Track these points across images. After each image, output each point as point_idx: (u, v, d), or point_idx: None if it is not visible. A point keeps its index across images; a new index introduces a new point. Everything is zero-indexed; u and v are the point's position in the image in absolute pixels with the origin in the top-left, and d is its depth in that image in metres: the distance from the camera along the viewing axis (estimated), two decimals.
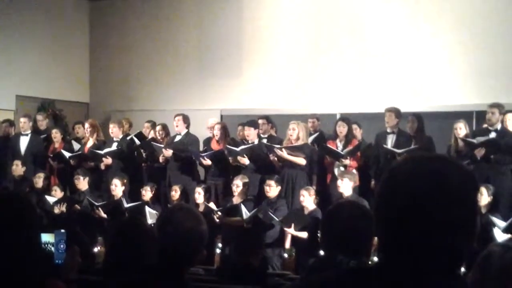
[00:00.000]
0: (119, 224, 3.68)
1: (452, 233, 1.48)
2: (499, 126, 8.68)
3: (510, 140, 8.55)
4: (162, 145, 10.19)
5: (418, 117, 9.43)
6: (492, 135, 8.57)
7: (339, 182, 8.49)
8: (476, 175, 8.45)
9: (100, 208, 9.48)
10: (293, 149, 9.13)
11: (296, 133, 9.23)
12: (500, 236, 7.27)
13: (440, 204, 1.47)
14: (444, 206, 1.47)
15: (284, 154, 9.11)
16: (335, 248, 2.78)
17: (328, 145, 9.46)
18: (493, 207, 7.98)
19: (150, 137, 10.81)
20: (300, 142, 9.19)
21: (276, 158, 9.28)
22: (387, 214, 1.52)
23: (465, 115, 9.89)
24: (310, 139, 9.68)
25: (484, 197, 7.79)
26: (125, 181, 9.83)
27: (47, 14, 13.29)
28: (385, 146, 9.24)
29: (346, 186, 8.40)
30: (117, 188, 9.69)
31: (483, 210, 7.75)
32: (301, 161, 9.14)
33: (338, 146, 9.47)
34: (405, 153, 8.66)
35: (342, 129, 9.51)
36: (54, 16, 13.42)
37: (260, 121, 10.06)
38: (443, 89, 10.90)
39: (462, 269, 1.65)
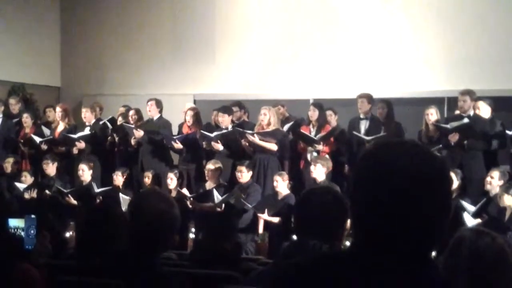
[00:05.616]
0: (89, 209, 3.65)
1: (430, 217, 1.49)
2: (471, 113, 8.73)
3: (483, 126, 8.62)
4: (133, 126, 10.09)
5: (388, 103, 9.57)
6: (465, 121, 8.63)
7: (312, 167, 8.53)
8: (449, 161, 8.51)
9: (70, 195, 9.40)
10: (264, 135, 9.12)
11: (268, 118, 9.22)
12: (469, 220, 7.35)
13: (420, 188, 1.47)
14: (424, 190, 1.48)
15: (256, 139, 9.10)
16: (307, 233, 2.78)
17: (302, 131, 9.48)
18: (462, 191, 8.07)
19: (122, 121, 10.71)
20: (271, 128, 9.18)
21: (247, 144, 9.26)
22: (364, 199, 1.51)
23: (437, 101, 9.96)
24: (286, 127, 9.65)
25: (454, 182, 7.86)
26: (91, 164, 9.73)
27: None
28: (354, 132, 9.29)
29: (319, 172, 8.44)
30: (85, 172, 9.61)
31: (453, 195, 7.83)
32: (273, 146, 9.13)
33: (311, 131, 9.50)
34: (374, 140, 8.71)
35: (312, 113, 9.53)
36: None
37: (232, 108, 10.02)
38: (415, 75, 10.95)
39: (433, 253, 1.65)
